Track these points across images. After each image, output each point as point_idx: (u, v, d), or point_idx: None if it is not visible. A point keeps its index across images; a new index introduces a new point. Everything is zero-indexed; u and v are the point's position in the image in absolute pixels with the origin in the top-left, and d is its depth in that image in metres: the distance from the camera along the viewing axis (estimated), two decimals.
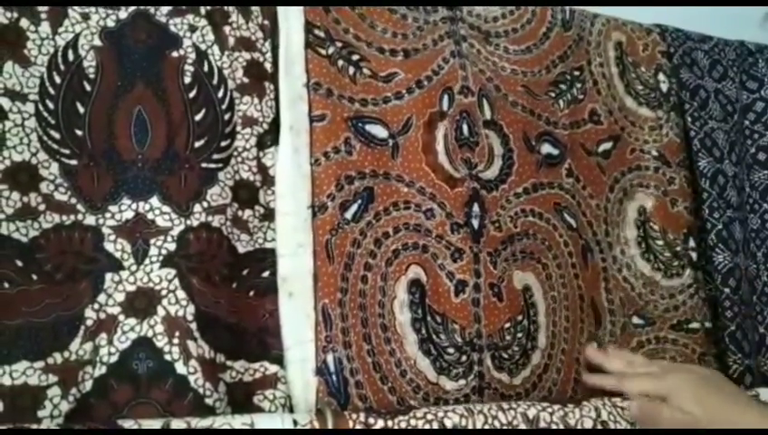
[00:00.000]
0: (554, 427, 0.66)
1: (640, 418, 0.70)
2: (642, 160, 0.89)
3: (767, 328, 0.87)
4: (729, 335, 0.84)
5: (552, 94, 0.86)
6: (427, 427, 0.62)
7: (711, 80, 0.96)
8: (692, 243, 0.87)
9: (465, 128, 0.78)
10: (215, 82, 0.70)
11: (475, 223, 0.76)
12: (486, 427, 0.64)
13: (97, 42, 0.67)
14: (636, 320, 0.83)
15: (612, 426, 0.68)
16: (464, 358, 0.72)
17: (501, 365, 0.73)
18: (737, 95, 0.97)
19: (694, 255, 0.86)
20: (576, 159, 0.85)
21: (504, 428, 0.64)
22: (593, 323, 0.80)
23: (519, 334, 0.75)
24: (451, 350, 0.71)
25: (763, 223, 0.91)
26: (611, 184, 0.87)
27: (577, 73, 0.88)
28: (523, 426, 0.65)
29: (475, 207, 0.76)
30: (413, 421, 0.62)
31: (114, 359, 0.60)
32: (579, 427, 0.67)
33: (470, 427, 0.63)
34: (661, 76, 0.92)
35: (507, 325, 0.75)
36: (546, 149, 0.83)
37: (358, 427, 0.60)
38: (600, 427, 0.68)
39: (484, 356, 0.72)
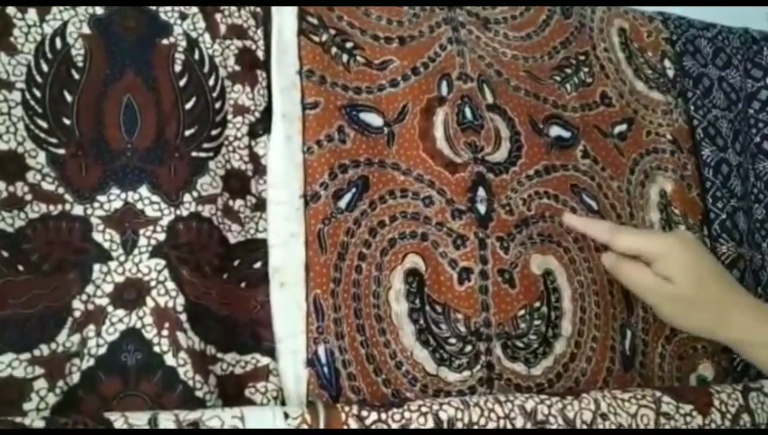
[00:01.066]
0: (552, 420, 0.65)
1: (616, 273, 0.66)
2: (658, 143, 0.87)
3: None
4: None
5: (558, 78, 0.84)
6: (421, 420, 0.61)
7: (715, 68, 0.94)
8: (705, 231, 0.85)
9: (467, 111, 0.77)
10: (206, 70, 0.69)
11: (482, 208, 0.75)
12: (482, 420, 0.63)
13: (85, 29, 0.66)
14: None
15: (612, 418, 0.66)
16: (468, 348, 0.70)
17: (515, 355, 0.72)
18: (741, 83, 0.95)
19: (708, 243, 0.85)
20: (591, 140, 0.83)
21: (501, 420, 0.63)
22: (625, 310, 0.79)
23: (537, 322, 0.73)
24: (453, 340, 0.70)
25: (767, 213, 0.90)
26: (631, 166, 0.85)
27: (582, 58, 0.87)
28: (520, 419, 0.64)
29: (481, 192, 0.75)
30: (407, 414, 0.61)
31: (102, 351, 0.59)
32: (578, 419, 0.65)
33: (466, 420, 0.62)
34: (667, 62, 0.91)
35: (522, 313, 0.73)
36: (556, 131, 0.82)
37: (350, 420, 0.59)
38: (599, 419, 0.66)
39: (492, 346, 0.71)
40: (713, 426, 0.69)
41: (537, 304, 0.74)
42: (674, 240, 0.68)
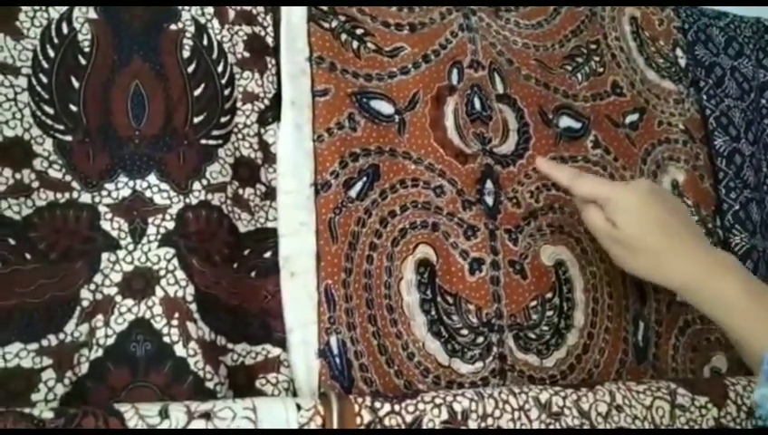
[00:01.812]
0: (567, 411, 0.64)
1: (590, 225, 0.69)
2: (670, 133, 0.86)
3: None
4: None
5: (569, 68, 0.83)
6: (435, 411, 0.60)
7: (727, 57, 0.93)
8: (718, 221, 0.84)
9: (476, 102, 0.76)
10: (214, 56, 0.68)
11: (489, 200, 0.74)
12: (497, 411, 0.62)
13: (92, 14, 0.65)
14: (679, 298, 0.80)
15: (627, 410, 0.65)
16: (480, 339, 0.69)
17: (527, 346, 0.71)
18: (754, 73, 0.94)
19: (721, 233, 0.84)
20: (603, 130, 0.82)
21: (516, 411, 0.62)
22: (638, 300, 0.78)
23: (549, 313, 0.72)
24: (465, 331, 0.69)
25: None
26: (643, 156, 0.84)
27: (593, 47, 0.86)
28: (535, 410, 0.63)
29: (488, 184, 0.74)
30: (421, 405, 0.60)
31: (111, 341, 0.58)
32: (593, 411, 0.64)
33: (480, 411, 0.61)
34: (679, 51, 0.90)
35: (533, 304, 0.72)
36: (565, 122, 0.81)
37: (363, 411, 0.58)
38: (614, 411, 0.65)
39: (505, 337, 0.70)
40: (728, 418, 0.68)
41: (549, 295, 0.73)
42: (625, 187, 0.69)
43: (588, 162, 0.80)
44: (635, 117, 0.85)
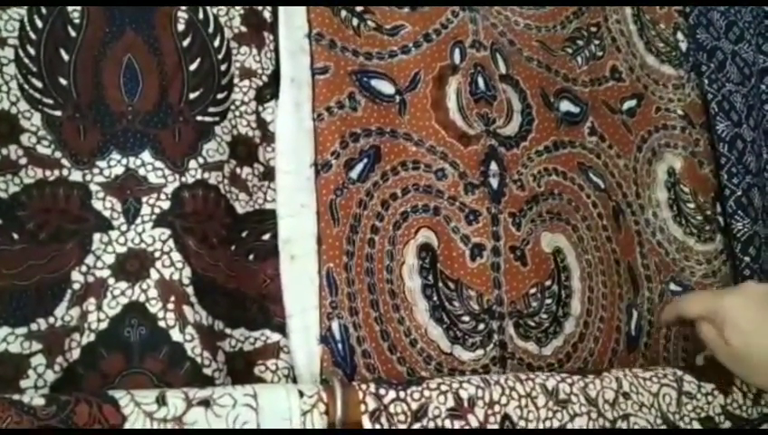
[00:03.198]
0: (574, 398, 0.62)
1: (707, 342, 0.66)
2: (668, 120, 0.84)
3: None
4: None
5: (569, 50, 0.82)
6: (441, 398, 0.58)
7: (728, 41, 0.92)
8: (719, 208, 0.83)
9: (480, 81, 0.74)
10: (210, 30, 0.65)
11: (494, 182, 0.72)
12: (504, 399, 0.60)
13: None
14: (673, 287, 0.79)
15: (635, 397, 0.64)
16: (481, 326, 0.67)
17: (527, 334, 0.69)
18: (754, 58, 0.93)
19: (722, 220, 0.83)
20: (599, 117, 0.81)
21: (523, 398, 0.60)
22: (631, 290, 0.77)
23: (548, 301, 0.71)
24: (466, 318, 0.67)
25: None
26: (639, 144, 0.82)
27: (594, 30, 0.84)
28: (542, 397, 0.61)
29: (493, 166, 0.72)
30: (427, 392, 0.58)
31: (104, 326, 0.56)
32: (600, 398, 0.63)
33: (487, 398, 0.59)
34: (680, 35, 0.88)
35: (533, 291, 0.71)
36: (565, 106, 0.79)
37: (368, 398, 0.56)
38: (621, 398, 0.64)
39: (505, 324, 0.68)
40: (734, 405, 0.67)
41: (548, 283, 0.72)
42: (730, 296, 0.66)
43: (584, 149, 0.79)
44: (633, 103, 0.84)
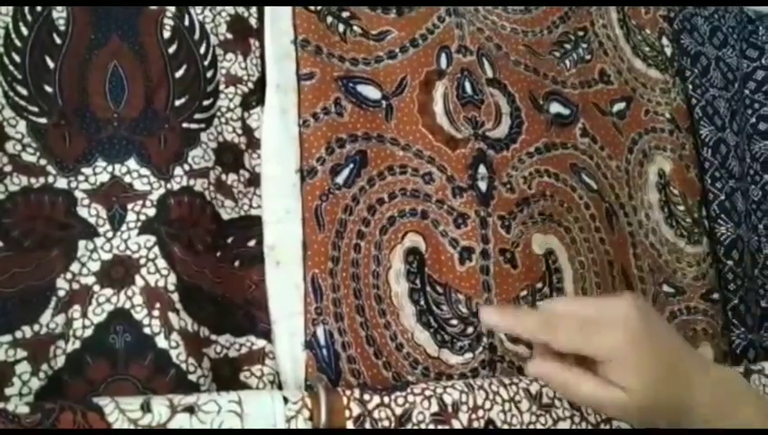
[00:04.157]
0: (557, 403, 0.63)
1: (547, 382, 0.50)
2: (657, 123, 0.85)
3: None
4: (732, 309, 0.81)
5: (557, 54, 0.82)
6: (425, 404, 0.58)
7: (712, 47, 0.92)
8: (704, 211, 0.84)
9: (467, 85, 0.74)
10: (196, 37, 0.66)
11: (483, 185, 0.72)
12: (487, 403, 0.60)
13: None
14: (666, 288, 0.79)
15: None
16: (469, 330, 0.68)
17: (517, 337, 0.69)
18: (738, 63, 0.93)
19: (707, 223, 0.83)
20: (590, 118, 0.81)
21: (506, 403, 0.61)
22: (625, 291, 0.76)
23: (539, 303, 0.71)
24: (454, 322, 0.68)
25: (764, 195, 0.88)
26: (630, 145, 0.83)
27: (581, 34, 0.84)
28: (525, 402, 0.62)
29: (482, 169, 0.72)
30: (411, 397, 0.58)
31: (89, 333, 0.56)
32: None
33: (471, 403, 0.60)
34: (665, 40, 0.89)
35: (524, 293, 0.71)
36: (555, 108, 0.79)
37: (352, 404, 0.56)
38: None
39: None
40: None
41: (539, 285, 0.72)
42: (628, 325, 0.49)
43: (577, 150, 0.79)
44: (622, 105, 0.85)
